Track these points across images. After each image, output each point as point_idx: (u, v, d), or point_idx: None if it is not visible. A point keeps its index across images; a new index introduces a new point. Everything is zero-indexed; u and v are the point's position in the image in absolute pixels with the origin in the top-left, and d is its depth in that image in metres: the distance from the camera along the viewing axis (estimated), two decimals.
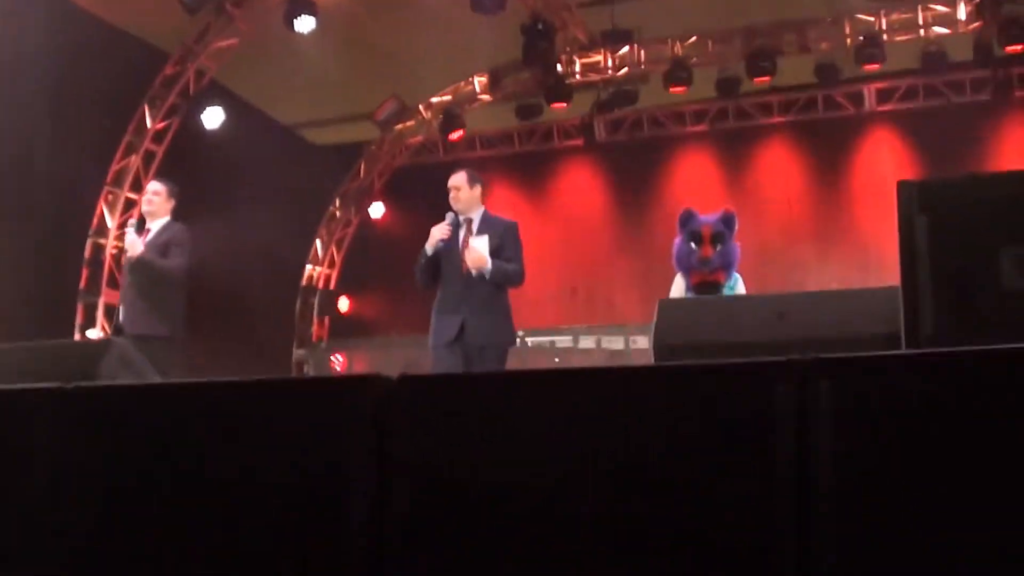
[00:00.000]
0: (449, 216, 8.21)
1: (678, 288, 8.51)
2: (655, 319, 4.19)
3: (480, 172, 8.74)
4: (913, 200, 2.77)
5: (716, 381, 2.43)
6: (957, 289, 2.68)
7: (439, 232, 8.13)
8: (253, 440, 2.84)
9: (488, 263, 7.97)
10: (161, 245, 8.86)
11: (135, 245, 8.69)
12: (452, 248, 8.17)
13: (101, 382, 4.10)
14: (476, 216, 8.30)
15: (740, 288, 8.41)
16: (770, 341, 3.83)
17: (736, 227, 8.47)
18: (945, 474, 2.17)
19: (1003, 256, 2.64)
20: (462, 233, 8.23)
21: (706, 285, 8.32)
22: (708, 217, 8.48)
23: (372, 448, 2.61)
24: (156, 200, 9.08)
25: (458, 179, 8.36)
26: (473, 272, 7.99)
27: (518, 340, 14.15)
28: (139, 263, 8.70)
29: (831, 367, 2.28)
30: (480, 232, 8.20)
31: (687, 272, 8.40)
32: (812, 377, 2.27)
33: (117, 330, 8.63)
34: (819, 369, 2.28)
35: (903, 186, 2.80)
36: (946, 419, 2.18)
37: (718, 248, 8.29)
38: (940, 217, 2.73)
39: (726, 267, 8.34)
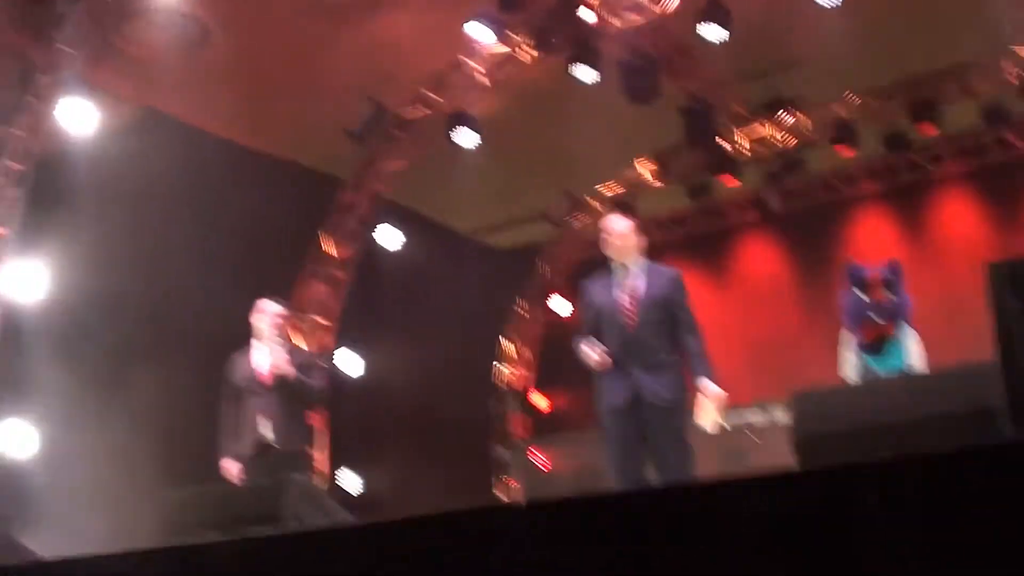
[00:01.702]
0: (585, 346, 7.47)
1: (846, 344, 8.41)
2: (793, 411, 4.25)
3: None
4: (1004, 279, 2.81)
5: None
6: None
7: (593, 361, 7.43)
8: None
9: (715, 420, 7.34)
10: (298, 361, 9.05)
11: (287, 367, 8.89)
12: (609, 309, 7.55)
13: (290, 526, 4.21)
14: (636, 265, 7.66)
15: (911, 341, 8.24)
16: (900, 422, 3.86)
17: (903, 276, 8.35)
18: None
19: None
20: (623, 284, 7.59)
21: (876, 342, 8.18)
22: (874, 267, 8.42)
23: None
24: (280, 321, 9.22)
25: (617, 224, 7.77)
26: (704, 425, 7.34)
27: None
28: (296, 384, 8.93)
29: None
30: (649, 285, 7.58)
31: (857, 324, 8.27)
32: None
33: (264, 447, 8.68)
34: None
35: (994, 267, 2.84)
36: None
37: (887, 294, 8.18)
38: None
39: (897, 315, 8.20)
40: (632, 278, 7.63)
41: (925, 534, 2.34)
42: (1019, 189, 16.63)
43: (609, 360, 7.39)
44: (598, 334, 7.52)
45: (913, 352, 8.20)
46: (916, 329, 8.35)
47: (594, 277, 7.86)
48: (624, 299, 7.55)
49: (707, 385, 7.34)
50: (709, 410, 7.29)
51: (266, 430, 8.74)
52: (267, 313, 9.19)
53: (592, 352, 7.41)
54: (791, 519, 2.51)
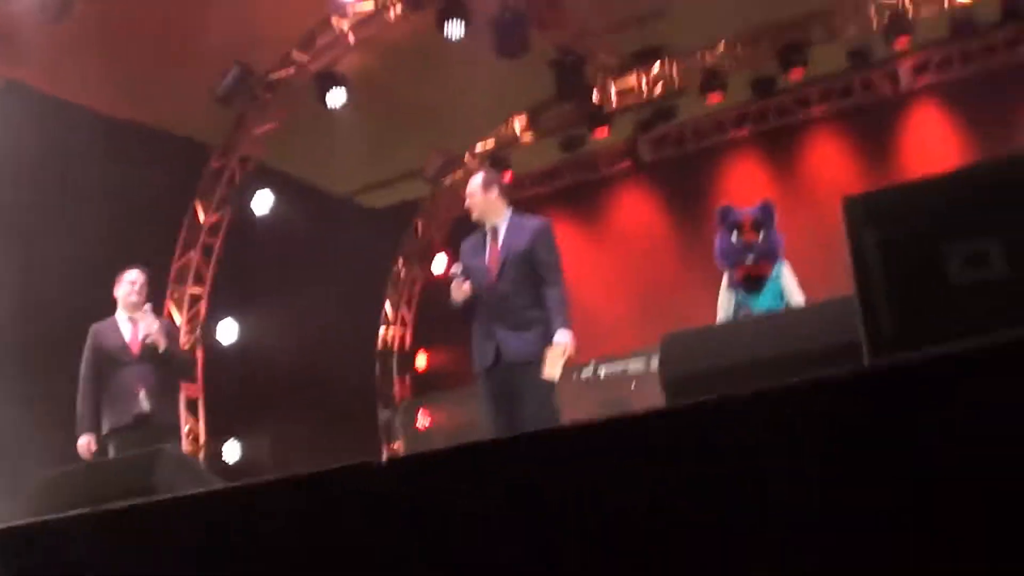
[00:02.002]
0: (456, 269, 7.69)
1: (724, 291, 8.52)
2: (660, 353, 4.30)
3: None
4: (859, 213, 2.85)
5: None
6: (908, 292, 2.75)
7: (458, 292, 7.57)
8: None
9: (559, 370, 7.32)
10: (164, 332, 8.90)
11: (160, 337, 8.76)
12: (477, 268, 7.62)
13: (158, 496, 4.16)
14: (502, 222, 7.73)
15: (787, 276, 8.37)
16: (765, 359, 3.92)
17: (775, 216, 8.45)
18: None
19: (948, 253, 2.71)
20: (488, 245, 7.68)
21: (751, 280, 8.30)
22: (746, 209, 8.51)
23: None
24: (144, 289, 9.02)
25: (472, 185, 7.89)
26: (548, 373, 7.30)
27: (592, 371, 14.28)
28: (165, 355, 8.79)
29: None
30: (508, 239, 7.64)
31: (732, 265, 8.38)
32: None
33: (142, 417, 8.57)
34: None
35: (849, 202, 2.87)
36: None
37: (760, 235, 8.26)
38: (886, 226, 2.81)
39: (771, 255, 8.31)
40: (496, 236, 7.67)
41: (791, 463, 2.36)
42: (884, 129, 16.94)
43: (466, 288, 7.48)
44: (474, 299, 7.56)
45: (791, 289, 8.31)
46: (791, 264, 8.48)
47: (469, 237, 7.90)
48: (486, 258, 7.61)
49: (556, 335, 7.34)
50: (554, 360, 7.29)
51: (143, 400, 8.60)
52: (128, 282, 8.99)
53: (459, 288, 7.52)
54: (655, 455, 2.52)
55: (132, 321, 8.87)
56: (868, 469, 2.31)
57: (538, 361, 7.34)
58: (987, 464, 2.22)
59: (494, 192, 7.77)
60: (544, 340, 7.40)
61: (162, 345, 8.70)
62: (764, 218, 8.37)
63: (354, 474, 2.78)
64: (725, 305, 8.50)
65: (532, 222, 7.83)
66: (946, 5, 15.27)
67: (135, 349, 8.76)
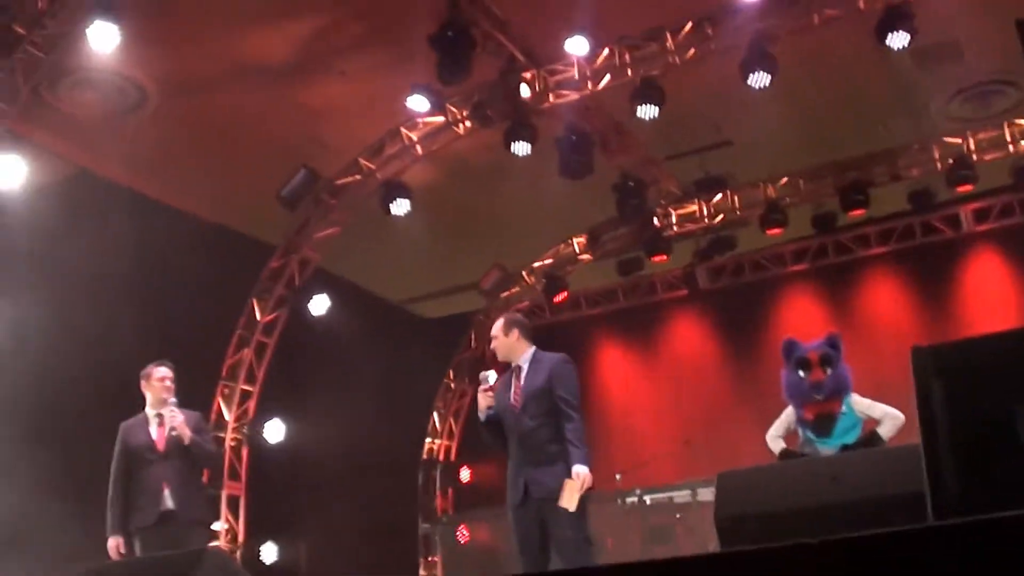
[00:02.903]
0: (484, 376, 7.83)
1: (787, 419, 8.35)
2: (716, 492, 4.27)
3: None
4: (928, 365, 2.85)
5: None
6: (976, 450, 2.73)
7: (483, 400, 7.74)
8: None
9: (574, 502, 7.31)
10: (189, 424, 8.80)
11: (182, 422, 8.68)
12: (504, 402, 7.74)
13: None
14: (524, 360, 7.86)
15: (858, 402, 8.16)
16: (824, 505, 3.88)
17: (842, 348, 8.28)
18: None
19: (1018, 413, 2.69)
20: (513, 382, 7.81)
21: (822, 419, 8.12)
22: (813, 343, 8.34)
23: None
24: (173, 386, 8.92)
25: (494, 328, 8.08)
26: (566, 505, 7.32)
27: (637, 498, 14.18)
28: (189, 447, 8.70)
29: None
30: (530, 376, 7.74)
31: (800, 405, 8.21)
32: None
33: (167, 515, 8.47)
34: None
35: (917, 352, 2.87)
36: None
37: (828, 372, 8.09)
38: (955, 380, 2.80)
39: (839, 391, 8.12)
40: (519, 375, 7.83)
41: None
42: (943, 272, 16.91)
43: (490, 395, 7.68)
44: (502, 427, 7.76)
45: (868, 407, 8.13)
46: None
47: (504, 374, 8.00)
48: (511, 396, 7.75)
49: (574, 468, 7.38)
50: (571, 492, 7.32)
51: (167, 498, 8.57)
52: (158, 378, 8.93)
53: (484, 396, 7.72)
54: None
55: (159, 417, 8.85)
56: None
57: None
58: None
59: (515, 334, 7.94)
60: (568, 474, 7.45)
61: (187, 439, 8.67)
62: (831, 353, 8.20)
63: None
64: (784, 427, 8.32)
65: (550, 358, 7.93)
66: (1011, 150, 15.27)
67: (161, 446, 8.70)
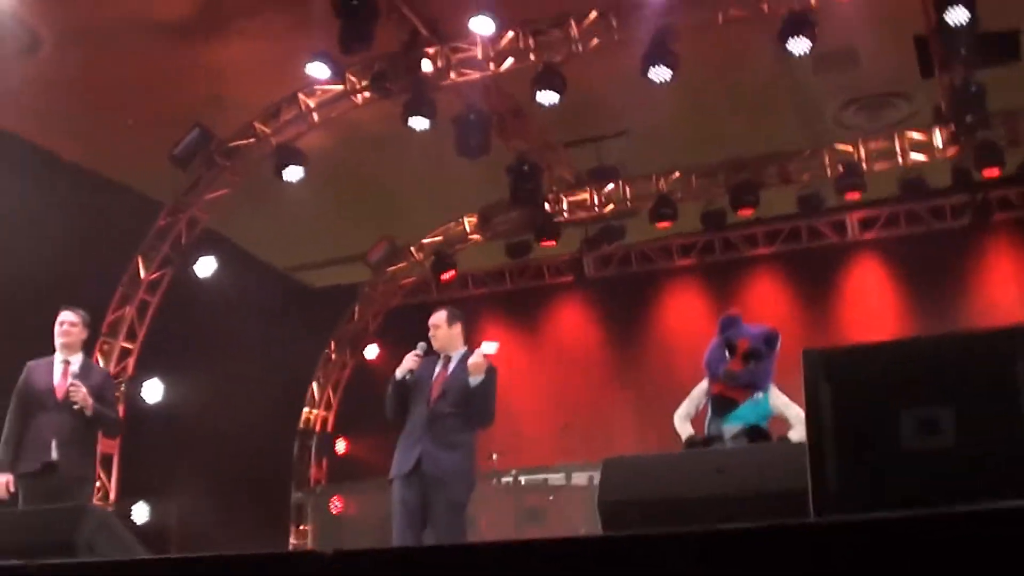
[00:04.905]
0: (421, 345, 8.24)
1: (697, 395, 8.39)
2: (600, 477, 4.33)
3: (472, 310, 8.75)
4: (818, 367, 2.92)
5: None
6: (859, 451, 2.82)
7: (409, 361, 8.14)
8: None
9: (482, 374, 7.99)
10: (95, 388, 8.64)
11: (85, 394, 8.45)
12: (423, 380, 8.16)
13: (80, 557, 4.09)
14: (456, 355, 8.31)
15: (773, 402, 8.15)
16: (707, 496, 3.95)
17: (777, 347, 8.26)
18: None
19: (902, 418, 2.78)
20: (437, 368, 8.25)
21: (722, 400, 8.15)
22: (752, 330, 8.31)
23: None
24: (74, 331, 8.77)
25: (438, 318, 8.41)
26: (471, 380, 7.98)
27: (513, 479, 14.25)
28: (89, 411, 8.51)
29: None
30: (458, 370, 8.17)
31: (712, 377, 8.23)
32: None
33: (49, 466, 8.34)
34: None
35: (808, 354, 2.95)
36: None
37: (750, 365, 8.09)
38: (843, 383, 2.88)
39: (751, 386, 8.08)
40: (447, 365, 8.32)
41: None
42: (825, 276, 17.24)
43: (418, 361, 8.18)
44: (407, 399, 8.20)
45: (782, 406, 8.13)
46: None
47: (430, 355, 8.39)
48: (432, 380, 8.23)
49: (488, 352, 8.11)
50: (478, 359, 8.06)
51: (54, 450, 8.41)
52: (58, 322, 8.76)
53: (413, 359, 8.18)
54: None
55: (66, 364, 8.68)
56: None
57: (454, 480, 7.93)
58: None
59: (457, 328, 8.45)
60: (464, 462, 8.07)
61: (89, 409, 8.48)
62: (762, 350, 8.17)
63: (302, 561, 2.78)
64: (694, 405, 8.33)
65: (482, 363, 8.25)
66: (900, 162, 15.57)
67: (59, 394, 8.51)
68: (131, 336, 15.12)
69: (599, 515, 4.28)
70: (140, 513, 14.67)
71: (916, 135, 15.49)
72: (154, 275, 15.26)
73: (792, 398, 8.17)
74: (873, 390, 2.86)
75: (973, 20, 11.30)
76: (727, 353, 8.13)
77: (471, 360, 8.04)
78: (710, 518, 2.55)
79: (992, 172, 14.86)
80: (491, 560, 2.68)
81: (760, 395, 8.07)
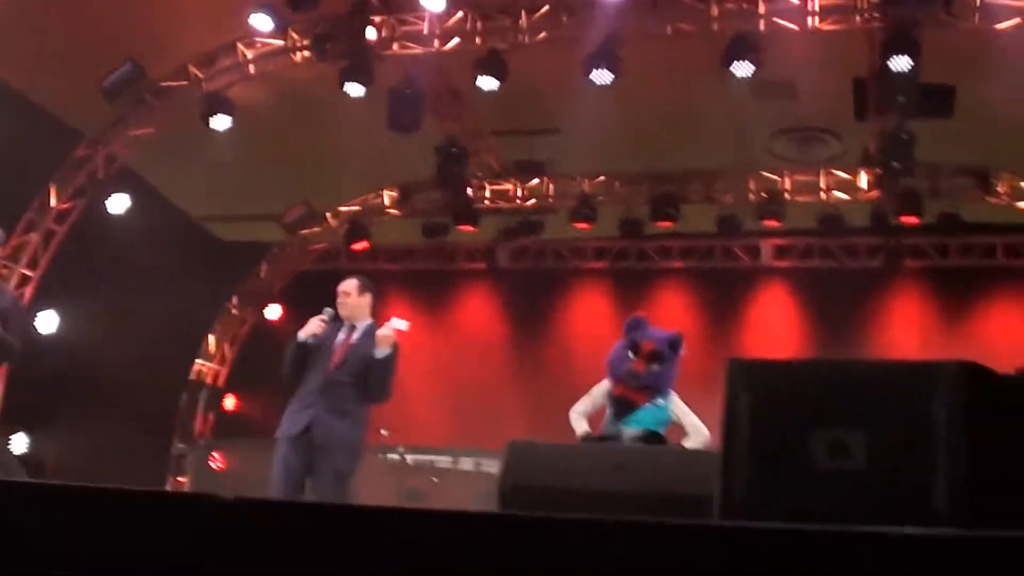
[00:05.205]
0: (327, 311, 8.17)
1: (596, 394, 8.42)
2: (504, 459, 4.32)
3: (380, 285, 8.70)
4: (739, 377, 2.95)
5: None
6: (772, 463, 2.85)
7: (314, 325, 8.08)
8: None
9: (389, 348, 7.93)
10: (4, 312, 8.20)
11: None
12: (324, 346, 8.08)
13: None
14: (361, 325, 8.22)
15: (672, 409, 8.21)
16: (605, 491, 3.97)
17: (681, 352, 8.31)
18: None
19: (814, 438, 2.82)
20: (340, 336, 8.16)
21: (623, 401, 8.18)
22: (657, 332, 8.36)
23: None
24: None
25: (348, 285, 8.33)
26: (377, 352, 7.93)
27: (400, 456, 14.20)
28: None
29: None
30: (361, 341, 8.11)
31: (614, 378, 8.26)
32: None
33: None
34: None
35: (732, 363, 2.98)
36: None
37: (653, 367, 8.13)
38: (764, 395, 2.91)
39: (652, 389, 8.13)
40: (351, 334, 8.22)
41: None
42: (733, 297, 17.42)
43: (323, 327, 8.07)
44: (305, 363, 8.11)
45: (682, 414, 8.19)
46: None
47: (335, 322, 8.30)
48: (335, 347, 8.12)
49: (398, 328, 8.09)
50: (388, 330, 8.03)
51: None
52: None
53: (318, 324, 8.09)
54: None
55: None
56: None
57: (341, 449, 7.85)
58: None
59: (367, 299, 8.37)
60: (354, 432, 8.00)
61: None
62: (666, 353, 8.20)
63: (202, 503, 2.74)
64: (592, 403, 8.36)
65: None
66: (823, 197, 15.79)
67: None
68: (33, 264, 14.87)
69: (498, 497, 4.26)
70: (19, 443, 14.46)
71: (842, 174, 15.77)
72: (65, 205, 15.03)
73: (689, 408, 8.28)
74: (792, 406, 2.90)
75: (915, 70, 11.48)
76: (631, 353, 8.18)
77: (381, 331, 7.99)
78: (607, 512, 2.53)
79: (911, 220, 15.18)
80: (405, 523, 2.66)
81: (660, 400, 8.14)
